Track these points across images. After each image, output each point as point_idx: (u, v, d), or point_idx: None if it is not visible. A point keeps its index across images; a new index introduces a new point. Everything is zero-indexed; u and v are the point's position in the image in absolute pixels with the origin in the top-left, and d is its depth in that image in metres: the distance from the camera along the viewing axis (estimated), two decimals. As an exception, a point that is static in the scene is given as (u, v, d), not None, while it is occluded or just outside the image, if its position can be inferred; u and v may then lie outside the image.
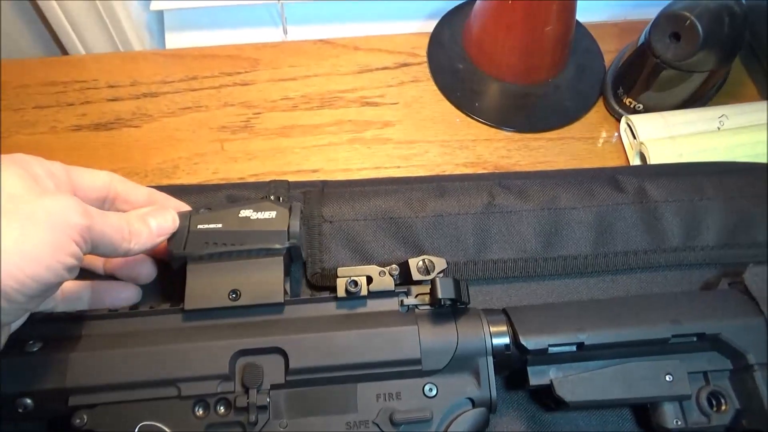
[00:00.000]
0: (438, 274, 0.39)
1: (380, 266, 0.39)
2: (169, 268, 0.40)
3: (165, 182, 0.53)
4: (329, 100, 0.60)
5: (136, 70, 0.61)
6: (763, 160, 0.51)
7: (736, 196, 0.45)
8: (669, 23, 0.53)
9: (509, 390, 0.41)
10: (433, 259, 0.39)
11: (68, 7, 0.60)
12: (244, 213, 0.39)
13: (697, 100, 0.58)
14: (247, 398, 0.35)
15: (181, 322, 0.37)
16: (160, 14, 0.67)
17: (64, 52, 0.65)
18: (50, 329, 0.37)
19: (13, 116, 0.57)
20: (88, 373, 0.35)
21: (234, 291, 0.38)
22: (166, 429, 0.34)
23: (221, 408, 0.35)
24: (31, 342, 0.35)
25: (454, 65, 0.63)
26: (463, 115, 0.60)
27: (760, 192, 0.46)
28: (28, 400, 0.34)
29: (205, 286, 0.38)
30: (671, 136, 0.55)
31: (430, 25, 0.65)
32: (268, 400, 0.35)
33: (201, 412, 0.35)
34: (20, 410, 0.34)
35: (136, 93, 0.60)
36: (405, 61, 0.63)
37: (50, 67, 0.61)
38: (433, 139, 0.59)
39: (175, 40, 0.67)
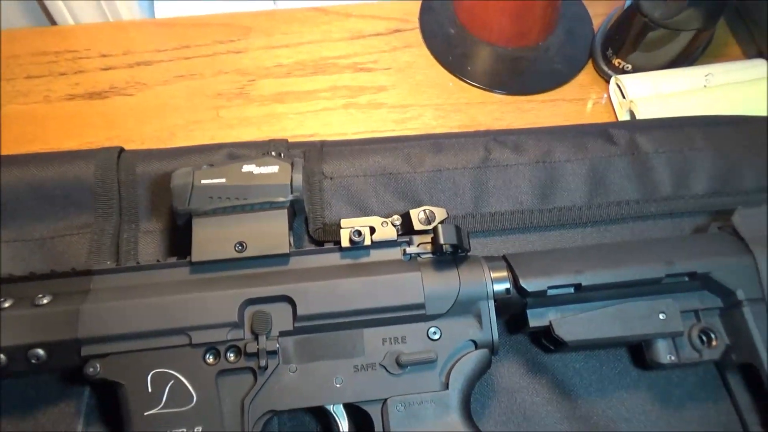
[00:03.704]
0: (439, 223, 0.40)
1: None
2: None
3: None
4: (323, 67, 0.61)
5: (127, 39, 0.61)
6: (747, 114, 0.53)
7: (724, 146, 0.47)
8: (657, -18, 0.54)
9: (510, 334, 0.42)
10: (434, 209, 0.40)
11: (57, -24, 0.59)
12: (247, 168, 0.40)
13: (684, 59, 0.59)
14: (257, 344, 0.35)
15: (189, 274, 0.38)
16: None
17: (52, 22, 0.65)
18: (57, 284, 0.37)
19: (5, 86, 0.57)
20: (100, 324, 0.35)
21: (240, 243, 0.38)
22: (179, 375, 0.35)
23: (231, 355, 0.36)
24: (40, 295, 0.36)
25: (446, 30, 0.63)
26: (456, 79, 0.61)
27: (747, 142, 0.47)
28: (41, 351, 0.35)
29: (211, 238, 0.38)
30: (659, 94, 0.57)
31: (420, -9, 0.65)
32: (277, 345, 0.36)
33: (212, 359, 0.36)
34: (33, 361, 0.35)
35: (130, 62, 0.60)
36: (397, 27, 0.64)
37: (40, 36, 0.60)
38: (427, 103, 0.59)
39: (164, 8, 0.67)
